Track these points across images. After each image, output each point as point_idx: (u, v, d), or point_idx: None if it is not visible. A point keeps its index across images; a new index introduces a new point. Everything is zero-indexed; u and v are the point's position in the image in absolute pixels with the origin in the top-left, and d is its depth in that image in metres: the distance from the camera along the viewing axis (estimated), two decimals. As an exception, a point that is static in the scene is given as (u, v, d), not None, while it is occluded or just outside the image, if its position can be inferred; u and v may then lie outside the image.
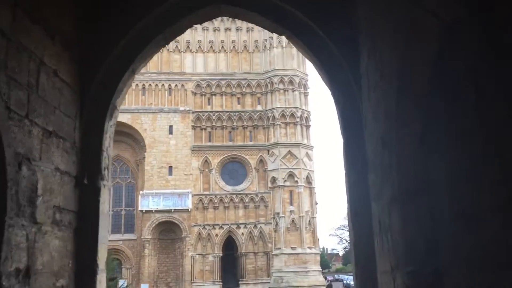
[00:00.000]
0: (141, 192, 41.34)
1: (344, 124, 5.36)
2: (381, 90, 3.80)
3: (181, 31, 6.17)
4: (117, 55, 5.51)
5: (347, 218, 7.41)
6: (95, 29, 5.33)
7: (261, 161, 43.32)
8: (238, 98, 44.65)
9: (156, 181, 41.54)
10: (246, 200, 42.15)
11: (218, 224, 41.37)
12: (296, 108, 43.43)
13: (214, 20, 45.25)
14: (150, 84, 43.61)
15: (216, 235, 41.10)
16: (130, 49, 5.62)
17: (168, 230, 41.33)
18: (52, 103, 4.44)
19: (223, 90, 44.40)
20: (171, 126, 43.05)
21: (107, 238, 5.57)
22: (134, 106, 42.67)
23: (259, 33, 45.57)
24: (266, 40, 45.08)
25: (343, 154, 5.37)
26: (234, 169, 43.50)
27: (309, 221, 41.54)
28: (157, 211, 40.72)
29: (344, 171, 5.37)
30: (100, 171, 5.30)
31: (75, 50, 5.05)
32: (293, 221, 40.92)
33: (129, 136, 43.65)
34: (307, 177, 42.41)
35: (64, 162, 4.66)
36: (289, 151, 42.38)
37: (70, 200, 4.76)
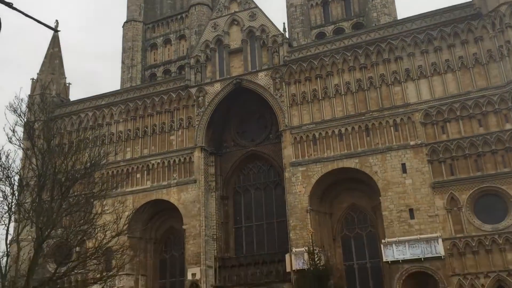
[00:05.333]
0: (383, 241, 37.74)
1: None
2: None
3: None
4: None
5: None
6: None
7: (524, 190, 35.20)
8: (479, 120, 37.78)
9: (397, 227, 37.33)
10: (514, 240, 34.42)
11: (482, 273, 34.40)
12: (560, 117, 34.42)
13: (433, 40, 40.44)
14: (373, 124, 40.71)
15: (482, 285, 34.13)
16: None
17: (420, 284, 36.26)
18: None
19: (458, 114, 38.32)
20: (403, 164, 38.86)
21: None
22: (360, 148, 40.48)
23: (491, 41, 38.63)
24: (501, 46, 37.68)
25: None
26: (489, 204, 36.11)
27: None
28: (405, 261, 36.27)
29: None
30: None
31: None
32: None
33: (361, 182, 41.20)
34: None
35: None
36: (563, 172, 33.32)
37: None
